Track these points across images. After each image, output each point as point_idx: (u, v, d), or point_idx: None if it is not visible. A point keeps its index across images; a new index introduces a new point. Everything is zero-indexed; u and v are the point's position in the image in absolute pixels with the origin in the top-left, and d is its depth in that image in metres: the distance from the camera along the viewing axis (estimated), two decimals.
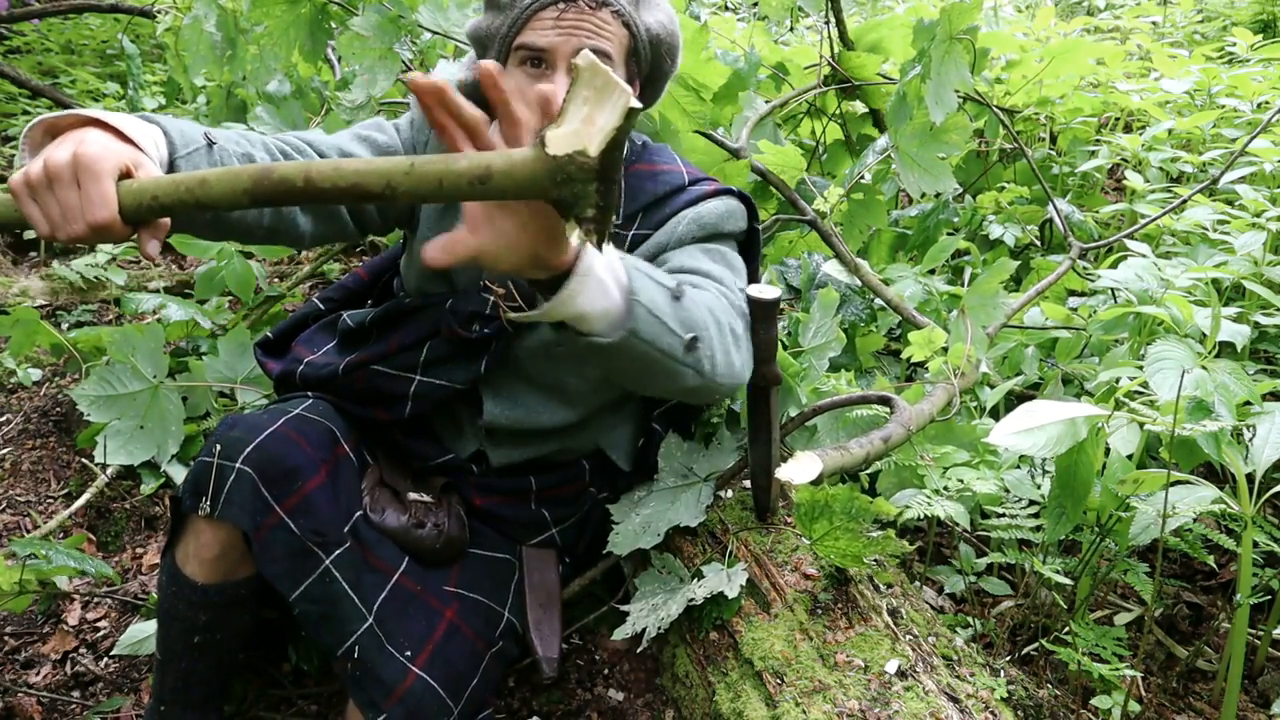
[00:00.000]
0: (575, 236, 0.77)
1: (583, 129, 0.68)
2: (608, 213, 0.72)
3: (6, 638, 1.67)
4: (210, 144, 1.07)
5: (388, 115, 2.19)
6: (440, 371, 1.38)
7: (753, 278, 1.40)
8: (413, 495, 1.41)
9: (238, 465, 1.20)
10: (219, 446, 1.21)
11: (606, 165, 0.69)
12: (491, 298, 1.33)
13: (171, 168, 1.01)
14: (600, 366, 1.08)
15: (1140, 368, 1.42)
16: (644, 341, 0.99)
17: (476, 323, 1.33)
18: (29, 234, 2.95)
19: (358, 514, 1.31)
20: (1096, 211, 2.71)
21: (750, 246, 1.41)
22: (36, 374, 2.38)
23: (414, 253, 1.40)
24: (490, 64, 0.73)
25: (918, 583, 1.60)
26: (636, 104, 0.68)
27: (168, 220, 0.88)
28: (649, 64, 1.30)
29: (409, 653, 1.25)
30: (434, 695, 1.23)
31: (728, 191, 1.37)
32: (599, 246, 0.74)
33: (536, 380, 1.42)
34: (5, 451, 2.12)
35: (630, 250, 1.35)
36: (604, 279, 0.92)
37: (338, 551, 1.23)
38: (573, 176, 0.68)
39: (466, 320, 1.33)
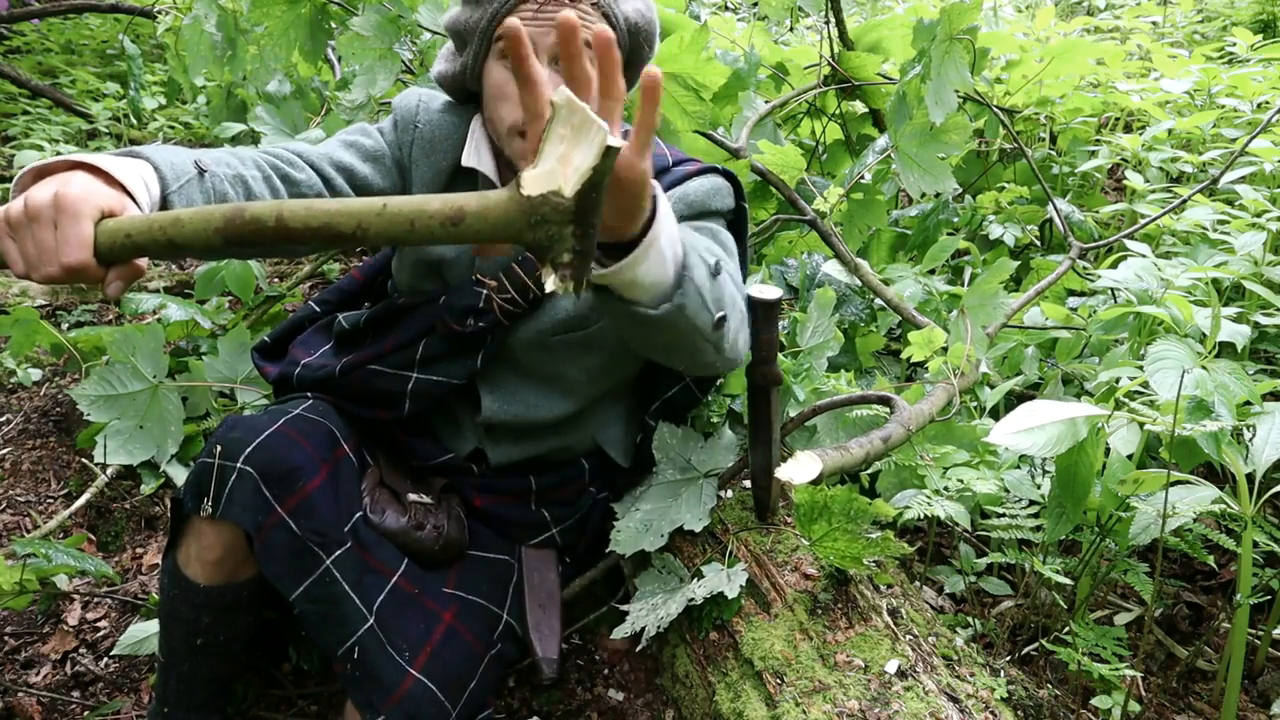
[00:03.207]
0: (551, 281, 0.72)
1: (558, 168, 0.66)
2: (586, 257, 0.69)
3: (6, 638, 1.67)
4: (201, 172, 1.05)
5: (387, 116, 2.19)
6: (437, 368, 1.38)
7: (742, 256, 1.36)
8: (412, 496, 1.41)
9: (239, 465, 1.20)
10: (219, 447, 1.21)
11: (583, 207, 0.66)
12: (485, 291, 1.33)
13: (165, 204, 1.00)
14: (633, 335, 1.08)
15: (1140, 368, 1.42)
16: (685, 317, 1.00)
17: (471, 317, 1.34)
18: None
19: (357, 515, 1.31)
20: (1096, 211, 2.71)
21: (739, 224, 1.38)
22: (36, 374, 2.38)
23: (404, 252, 1.40)
24: (514, 22, 0.74)
25: (918, 583, 1.60)
26: (615, 142, 0.66)
27: (144, 263, 0.87)
28: (627, 52, 1.29)
29: (407, 655, 1.24)
30: (432, 698, 1.23)
31: (712, 169, 1.34)
32: (576, 293, 0.71)
33: (533, 373, 1.41)
34: (5, 451, 2.12)
35: None
36: (664, 251, 0.93)
37: (338, 552, 1.23)
38: (547, 218, 0.66)
39: (460, 315, 1.34)
